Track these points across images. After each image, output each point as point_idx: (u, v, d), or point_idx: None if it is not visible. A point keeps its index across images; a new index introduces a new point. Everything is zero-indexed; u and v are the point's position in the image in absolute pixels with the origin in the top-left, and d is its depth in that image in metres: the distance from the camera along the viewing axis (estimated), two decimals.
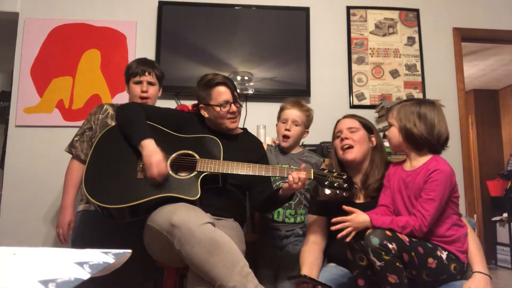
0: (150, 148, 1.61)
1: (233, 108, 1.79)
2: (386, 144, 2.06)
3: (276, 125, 2.08)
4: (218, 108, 1.77)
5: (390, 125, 1.56)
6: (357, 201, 1.68)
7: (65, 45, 2.80)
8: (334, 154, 1.77)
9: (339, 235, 1.41)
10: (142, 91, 1.99)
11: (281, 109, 2.05)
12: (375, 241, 1.30)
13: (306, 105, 2.06)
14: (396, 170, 1.57)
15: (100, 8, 2.89)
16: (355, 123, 1.73)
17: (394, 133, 1.54)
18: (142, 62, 2.05)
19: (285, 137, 1.99)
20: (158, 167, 1.57)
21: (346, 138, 1.68)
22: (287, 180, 1.57)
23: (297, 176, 1.54)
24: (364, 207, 1.53)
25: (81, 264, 0.51)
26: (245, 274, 1.36)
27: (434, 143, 1.48)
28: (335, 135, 1.76)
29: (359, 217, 1.40)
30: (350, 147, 1.68)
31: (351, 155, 1.67)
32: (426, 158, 1.49)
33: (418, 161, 1.49)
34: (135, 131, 1.67)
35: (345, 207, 1.45)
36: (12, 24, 2.85)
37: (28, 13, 2.83)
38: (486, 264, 1.47)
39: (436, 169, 1.41)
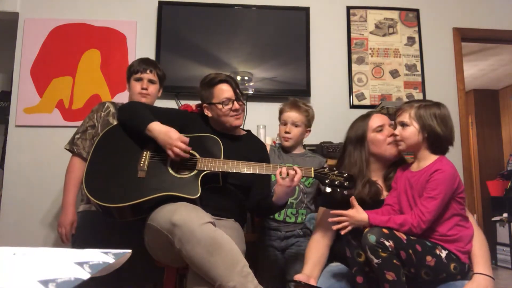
0: (161, 128, 1.63)
1: (236, 105, 1.79)
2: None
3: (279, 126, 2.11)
4: (220, 106, 1.77)
5: (405, 125, 1.54)
6: (382, 198, 1.67)
7: (65, 45, 2.80)
8: (365, 149, 1.69)
9: (334, 227, 1.43)
10: (142, 88, 2.00)
11: (280, 112, 2.08)
12: (372, 238, 1.31)
13: (305, 104, 2.06)
14: (403, 172, 1.59)
15: (100, 8, 2.89)
16: (389, 120, 1.74)
17: (413, 133, 1.52)
18: (144, 61, 2.08)
19: (286, 138, 2.03)
20: (181, 139, 1.60)
21: (396, 134, 1.62)
22: None
23: (286, 171, 1.55)
24: None
25: (81, 264, 0.51)
26: (245, 274, 1.36)
27: (450, 145, 1.52)
28: (375, 129, 1.69)
29: (358, 215, 1.42)
30: (398, 141, 1.64)
31: (400, 148, 1.62)
32: (433, 158, 1.50)
33: (426, 162, 1.51)
34: (140, 119, 1.68)
35: (352, 200, 1.46)
36: (12, 24, 2.85)
37: (28, 13, 2.83)
38: (490, 265, 1.44)
39: (438, 169, 1.43)
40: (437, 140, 1.50)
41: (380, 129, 1.69)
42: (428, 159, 1.51)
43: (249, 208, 1.87)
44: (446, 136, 1.50)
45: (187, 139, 1.62)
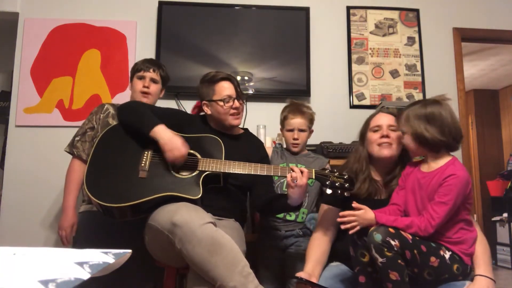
0: (166, 133, 1.62)
1: (236, 103, 1.80)
2: None
3: (281, 129, 2.12)
4: (221, 103, 1.78)
5: (404, 133, 1.54)
6: (381, 198, 1.66)
7: (65, 45, 2.80)
8: (365, 146, 1.71)
9: (343, 226, 1.41)
10: (144, 86, 2.00)
11: (285, 118, 2.06)
12: (377, 237, 1.30)
13: (307, 109, 2.07)
14: (412, 171, 1.55)
15: (100, 8, 2.89)
16: (394, 122, 1.68)
17: (409, 140, 1.52)
18: (149, 60, 2.10)
19: (294, 145, 2.04)
20: (184, 147, 1.59)
21: (388, 136, 1.65)
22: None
23: (296, 175, 1.54)
24: (385, 204, 1.54)
25: (81, 264, 0.51)
26: (245, 274, 1.36)
27: (449, 143, 1.46)
28: (371, 129, 1.70)
29: (366, 214, 1.40)
30: (390, 144, 1.65)
31: (388, 151, 1.64)
32: (445, 160, 1.47)
33: (437, 163, 1.48)
34: (144, 120, 1.67)
35: (354, 205, 1.43)
36: (12, 24, 2.85)
37: (28, 13, 2.83)
38: (491, 268, 1.44)
39: (452, 174, 1.40)
40: (428, 143, 1.46)
41: (376, 129, 1.69)
42: (437, 160, 1.48)
43: (258, 207, 1.87)
44: (436, 137, 1.44)
45: (187, 149, 1.62)
